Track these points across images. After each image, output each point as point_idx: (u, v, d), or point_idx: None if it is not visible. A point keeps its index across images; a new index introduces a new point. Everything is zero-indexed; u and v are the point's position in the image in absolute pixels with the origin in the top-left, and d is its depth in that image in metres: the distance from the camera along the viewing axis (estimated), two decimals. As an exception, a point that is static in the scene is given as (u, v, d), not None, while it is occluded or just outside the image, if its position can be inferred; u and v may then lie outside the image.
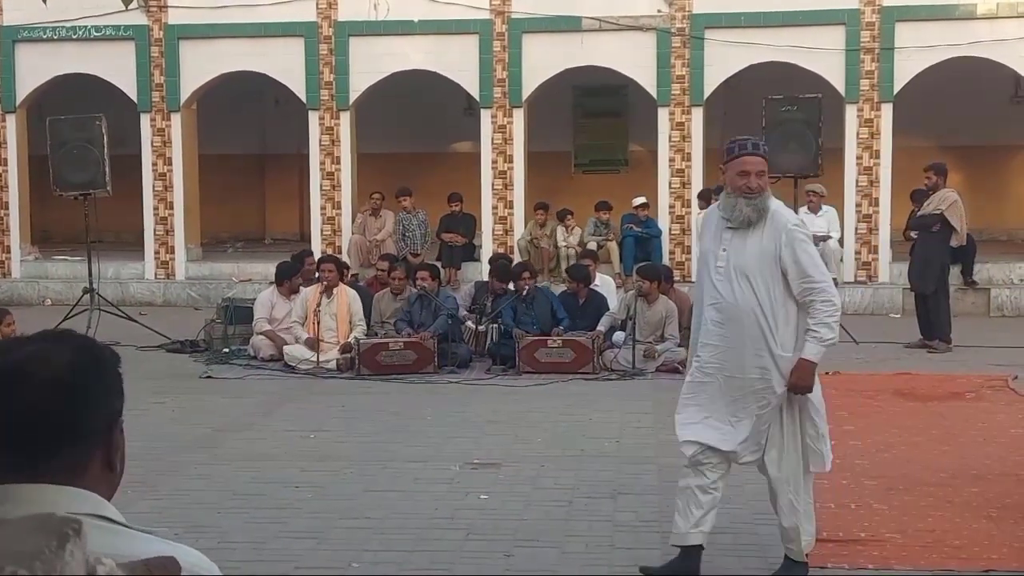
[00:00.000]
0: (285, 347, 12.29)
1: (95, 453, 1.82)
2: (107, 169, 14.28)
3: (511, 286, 12.75)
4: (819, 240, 16.24)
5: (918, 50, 16.48)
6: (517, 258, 16.76)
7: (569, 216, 17.32)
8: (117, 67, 18.01)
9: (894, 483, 7.47)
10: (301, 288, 12.93)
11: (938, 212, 13.06)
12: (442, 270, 15.25)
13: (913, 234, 13.76)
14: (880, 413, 9.83)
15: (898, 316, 15.77)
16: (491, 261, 14.30)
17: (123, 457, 1.93)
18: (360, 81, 17.70)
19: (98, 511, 1.77)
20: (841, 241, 16.68)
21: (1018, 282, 16.30)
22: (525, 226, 17.35)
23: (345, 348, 12.06)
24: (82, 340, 1.88)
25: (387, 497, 7.26)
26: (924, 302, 13.38)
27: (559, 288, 14.04)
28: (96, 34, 17.83)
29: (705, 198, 15.23)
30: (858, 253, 16.98)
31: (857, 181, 16.95)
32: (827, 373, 11.53)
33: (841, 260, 16.61)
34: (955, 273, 15.33)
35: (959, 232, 13.28)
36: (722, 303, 5.61)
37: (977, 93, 18.41)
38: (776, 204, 5.79)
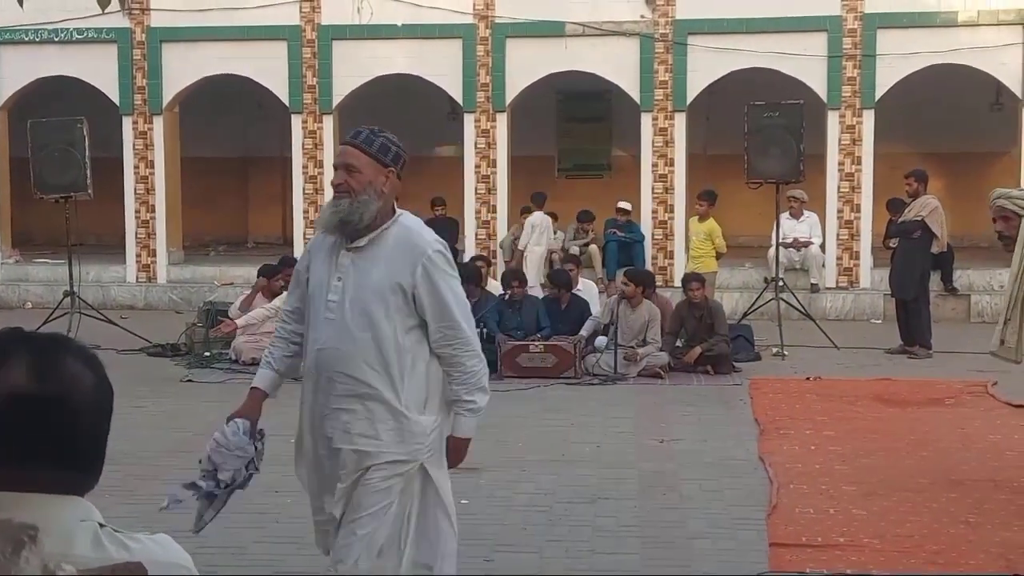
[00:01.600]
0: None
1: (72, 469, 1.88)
2: (88, 172, 14.25)
3: (502, 290, 12.83)
4: (801, 245, 16.40)
5: (899, 57, 16.57)
6: (500, 260, 16.82)
7: (553, 219, 17.37)
8: (99, 70, 17.97)
9: (873, 488, 7.49)
10: (284, 291, 12.92)
11: (919, 219, 13.11)
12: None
13: (892, 243, 13.81)
14: (860, 419, 9.84)
15: (879, 322, 15.84)
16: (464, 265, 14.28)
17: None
18: (343, 85, 17.70)
19: (92, 517, 1.84)
20: (823, 247, 16.75)
21: (998, 288, 16.35)
22: (508, 230, 17.39)
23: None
24: (91, 356, 1.92)
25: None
26: (905, 308, 13.43)
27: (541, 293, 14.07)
28: (78, 36, 17.79)
29: (708, 199, 15.22)
30: (840, 259, 17.04)
31: (839, 187, 17.02)
32: (808, 379, 11.63)
33: (823, 266, 16.70)
34: (935, 279, 15.39)
35: (940, 238, 13.35)
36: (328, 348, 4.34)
37: (958, 100, 18.50)
38: (411, 220, 4.57)
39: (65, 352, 1.86)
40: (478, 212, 17.68)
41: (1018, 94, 16.57)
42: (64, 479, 1.81)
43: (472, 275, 13.31)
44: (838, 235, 17.04)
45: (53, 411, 1.79)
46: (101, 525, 1.86)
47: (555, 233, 17.30)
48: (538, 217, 16.87)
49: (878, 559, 6.14)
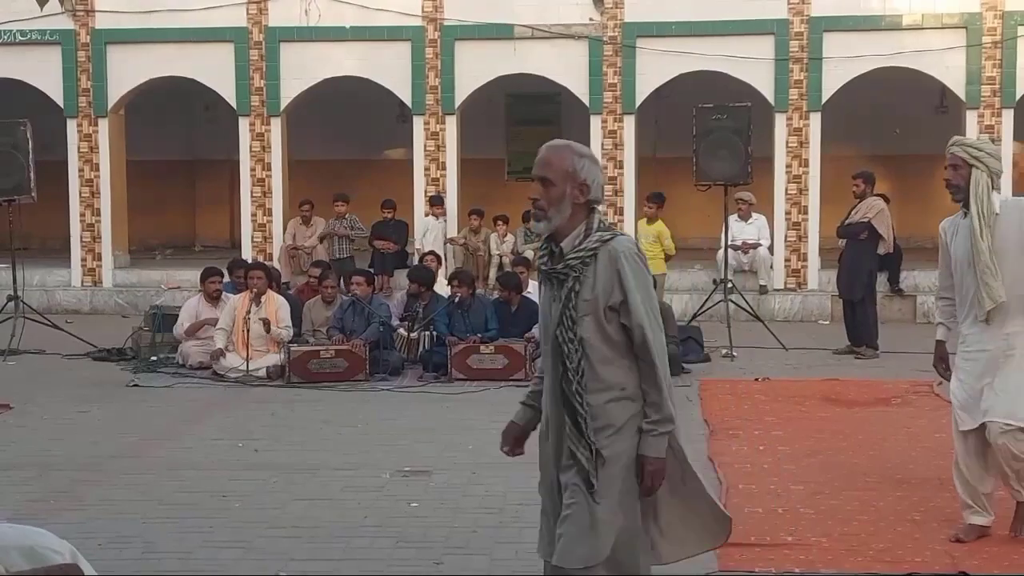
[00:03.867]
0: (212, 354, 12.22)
1: None
2: (32, 175, 14.08)
3: (448, 291, 12.84)
4: (750, 248, 16.50)
5: (845, 60, 16.72)
6: (451, 260, 16.81)
7: (502, 223, 17.38)
8: (43, 72, 17.78)
9: (820, 488, 7.54)
10: (228, 296, 12.84)
11: (865, 220, 13.24)
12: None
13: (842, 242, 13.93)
14: (808, 418, 9.91)
15: (827, 323, 15.98)
16: (416, 268, 14.27)
17: None
18: (291, 87, 17.61)
19: None
20: (771, 249, 16.86)
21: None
22: (459, 232, 17.39)
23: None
24: None
25: (316, 506, 7.22)
26: (852, 309, 13.56)
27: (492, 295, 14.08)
28: (21, 38, 17.59)
29: (657, 201, 15.38)
30: (788, 260, 17.16)
31: (787, 189, 17.14)
32: (756, 379, 11.70)
33: (771, 267, 16.81)
34: (882, 280, 15.54)
35: (886, 240, 13.48)
36: None
37: (903, 103, 18.70)
38: None
39: None
40: (427, 215, 17.63)
41: (962, 97, 16.76)
42: None
43: (425, 278, 13.33)
44: (786, 237, 17.16)
45: None
46: None
47: (505, 236, 17.32)
48: (430, 221, 16.96)
49: (825, 557, 6.19)
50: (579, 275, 4.19)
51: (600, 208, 4.46)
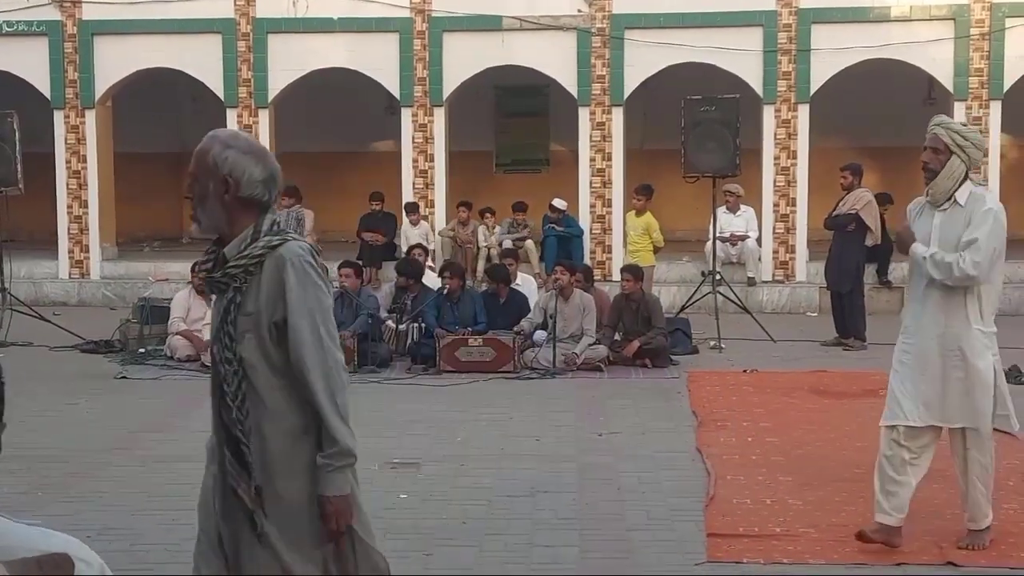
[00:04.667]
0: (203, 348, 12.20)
1: None
2: (19, 166, 14.05)
3: (431, 281, 12.87)
4: (738, 239, 16.52)
5: (833, 52, 16.73)
6: (439, 253, 16.78)
7: (489, 215, 17.37)
8: (30, 63, 17.70)
9: (809, 479, 7.57)
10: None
11: (853, 212, 13.28)
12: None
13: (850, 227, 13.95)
14: (796, 410, 9.95)
15: (815, 315, 15.99)
16: (404, 260, 14.26)
17: None
18: (279, 79, 17.56)
19: None
20: (759, 240, 16.88)
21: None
22: (447, 224, 17.37)
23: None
24: None
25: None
26: (840, 301, 13.60)
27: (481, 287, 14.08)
28: (8, 29, 17.52)
29: (646, 193, 15.41)
30: (776, 252, 17.19)
31: (775, 181, 17.16)
32: (745, 371, 11.73)
33: (759, 259, 16.83)
34: (871, 272, 15.59)
35: (874, 231, 13.53)
36: None
37: (891, 95, 18.70)
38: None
39: None
40: (415, 207, 17.62)
41: (950, 89, 16.79)
42: None
43: (414, 269, 13.32)
44: (774, 229, 17.18)
45: None
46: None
47: (493, 229, 17.31)
48: (408, 229, 16.96)
49: (814, 548, 6.22)
50: (240, 285, 3.62)
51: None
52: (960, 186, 5.87)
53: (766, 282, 16.90)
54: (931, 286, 5.94)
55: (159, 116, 20.76)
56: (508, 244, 16.28)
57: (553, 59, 17.32)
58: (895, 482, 6.03)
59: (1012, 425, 6.27)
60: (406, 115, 17.55)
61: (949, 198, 5.87)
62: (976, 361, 5.89)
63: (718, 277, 14.33)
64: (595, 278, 14.44)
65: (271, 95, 17.59)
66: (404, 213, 17.17)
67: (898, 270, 16.57)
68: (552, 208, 16.91)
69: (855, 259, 13.57)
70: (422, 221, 17.09)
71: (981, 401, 5.92)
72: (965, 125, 6.36)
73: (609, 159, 17.28)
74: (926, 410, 6.00)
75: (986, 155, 6.18)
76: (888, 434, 6.10)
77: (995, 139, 16.82)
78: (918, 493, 7.21)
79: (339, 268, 13.06)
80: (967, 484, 6.06)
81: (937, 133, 5.93)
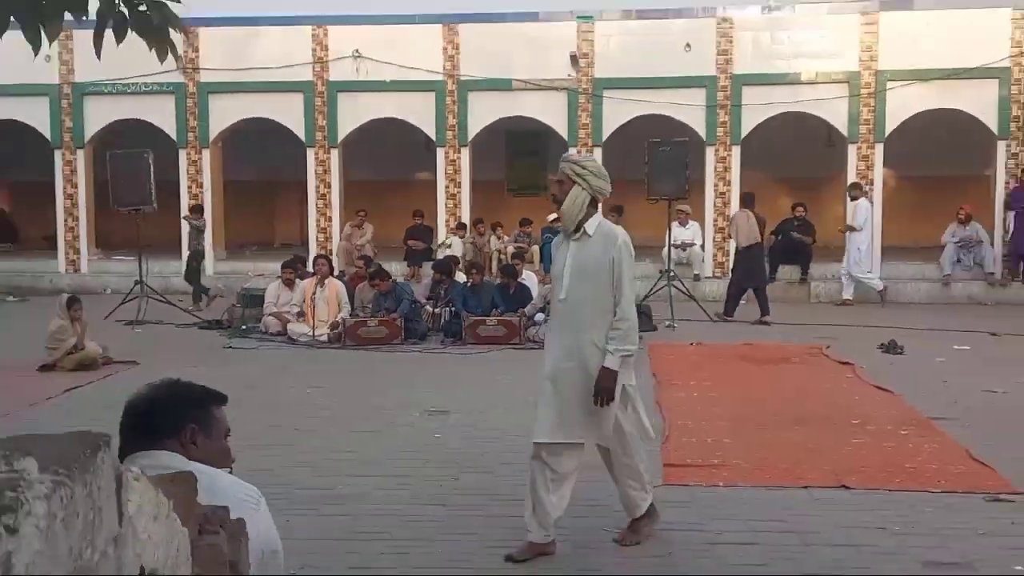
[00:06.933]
0: (288, 325, 12.23)
1: (172, 440, 2.56)
2: (153, 191, 14.11)
3: (460, 277, 12.89)
4: (687, 246, 16.50)
5: (758, 107, 16.72)
6: (463, 256, 16.79)
7: (500, 228, 17.42)
8: (161, 113, 17.76)
9: (740, 424, 7.58)
10: (298, 280, 12.86)
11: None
12: (408, 267, 15.31)
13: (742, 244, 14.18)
14: (731, 373, 9.95)
15: (744, 302, 15.94)
16: (442, 261, 14.28)
17: (202, 441, 2.63)
18: (346, 125, 17.60)
19: (175, 463, 2.37)
20: (702, 247, 16.89)
21: (831, 277, 16.59)
22: (468, 234, 17.39)
23: (334, 325, 12.01)
24: (173, 384, 2.69)
25: (365, 436, 7.25)
26: (755, 292, 13.72)
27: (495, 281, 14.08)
28: (145, 88, 17.55)
29: (618, 211, 15.48)
30: (715, 256, 17.19)
31: (714, 203, 17.14)
32: (692, 344, 11.72)
33: (702, 260, 16.85)
34: (795, 270, 15.78)
35: (734, 238, 14.31)
36: None
37: (801, 139, 18.67)
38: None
39: (154, 385, 2.66)
40: (447, 221, 17.66)
41: (845, 134, 16.75)
42: (143, 440, 2.52)
43: (446, 268, 13.33)
44: (714, 238, 17.17)
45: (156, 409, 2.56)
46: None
47: (502, 238, 17.33)
48: (455, 239, 16.87)
49: (742, 474, 6.23)
50: None
51: None
52: (589, 217, 4.88)
53: (708, 277, 16.89)
54: (566, 328, 4.85)
55: (256, 153, 20.79)
56: (511, 249, 16.30)
57: (549, 111, 17.32)
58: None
59: (647, 433, 5.14)
60: (440, 153, 17.56)
61: (579, 228, 4.83)
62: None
63: (672, 274, 14.33)
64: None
65: (340, 137, 17.61)
66: (455, 228, 17.19)
67: (817, 269, 16.59)
68: (549, 222, 16.92)
69: (755, 265, 13.96)
70: (456, 238, 17.10)
71: (608, 417, 4.80)
72: (586, 157, 5.28)
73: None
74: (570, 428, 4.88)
75: (607, 181, 5.04)
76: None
77: (879, 172, 16.80)
78: (821, 435, 7.20)
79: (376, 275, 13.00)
80: (621, 484, 5.05)
81: (562, 167, 5.01)
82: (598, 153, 17.13)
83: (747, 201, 14.23)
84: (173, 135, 17.81)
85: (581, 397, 4.78)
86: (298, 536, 4.83)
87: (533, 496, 4.82)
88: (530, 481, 4.86)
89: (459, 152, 17.44)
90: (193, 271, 15.64)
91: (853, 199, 15.77)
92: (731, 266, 15.31)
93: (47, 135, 18.10)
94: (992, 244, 16.36)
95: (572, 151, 4.69)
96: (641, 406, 5.01)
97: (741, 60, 16.69)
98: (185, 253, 16.63)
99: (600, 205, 4.99)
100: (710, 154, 16.94)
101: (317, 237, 17.82)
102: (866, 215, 15.59)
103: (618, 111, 17.00)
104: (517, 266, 13.28)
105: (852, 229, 15.68)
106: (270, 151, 21.35)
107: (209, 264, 17.93)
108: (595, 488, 5.37)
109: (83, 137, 18.00)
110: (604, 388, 4.70)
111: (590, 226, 4.86)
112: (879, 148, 16.70)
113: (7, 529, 0.97)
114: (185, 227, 17.05)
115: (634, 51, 16.85)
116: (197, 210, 16.41)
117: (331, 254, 16.73)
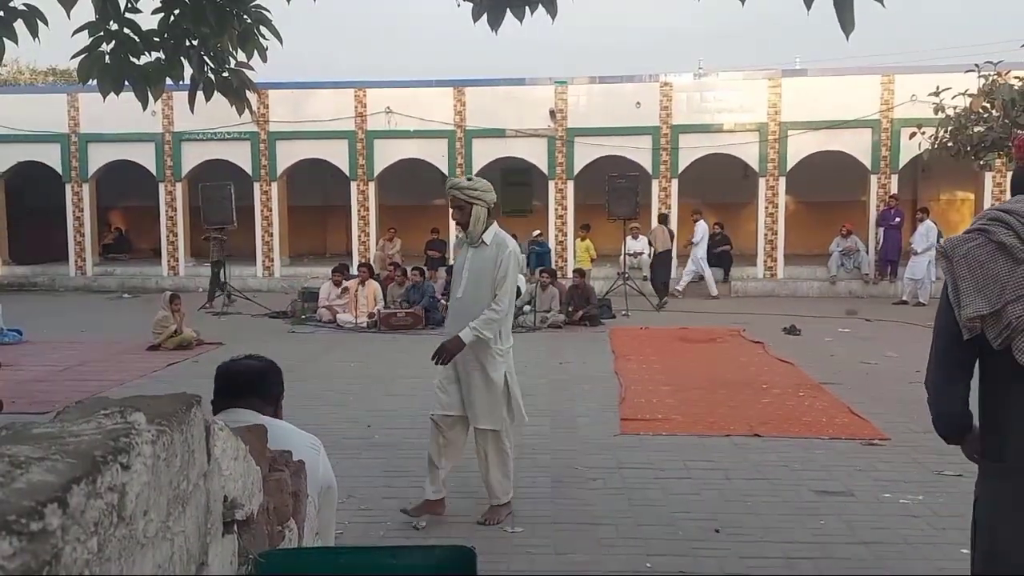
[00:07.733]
0: (338, 315, 12.18)
1: (262, 400, 2.59)
2: (234, 213, 14.07)
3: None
4: (638, 254, 16.48)
5: (691, 149, 16.69)
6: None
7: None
8: (239, 155, 17.64)
9: (678, 388, 7.58)
10: (345, 281, 12.81)
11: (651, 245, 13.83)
12: (426, 271, 15.22)
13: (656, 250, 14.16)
14: (671, 350, 9.93)
15: (680, 297, 15.96)
16: (449, 267, 14.23)
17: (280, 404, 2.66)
18: (380, 163, 17.51)
19: (252, 419, 2.35)
20: (650, 255, 16.84)
21: (745, 278, 16.61)
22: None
23: (371, 315, 11.97)
24: (265, 361, 2.71)
25: (397, 399, 7.23)
26: (663, 286, 13.85)
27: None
28: (228, 136, 17.45)
29: (586, 229, 15.50)
30: (659, 261, 17.13)
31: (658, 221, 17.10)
32: (641, 328, 11.70)
33: (650, 266, 16.78)
34: (720, 272, 15.78)
35: (653, 246, 14.52)
36: None
37: (724, 173, 18.61)
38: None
39: (251, 356, 2.71)
40: (457, 236, 17.55)
41: (757, 169, 16.74)
42: (239, 400, 2.53)
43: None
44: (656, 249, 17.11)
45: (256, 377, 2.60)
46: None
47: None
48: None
49: (681, 426, 6.23)
50: None
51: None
52: (488, 227, 4.47)
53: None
54: (459, 320, 4.37)
55: (313, 185, 20.71)
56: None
57: (534, 153, 17.27)
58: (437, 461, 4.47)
59: (523, 418, 4.55)
60: (451, 184, 17.46)
61: (479, 238, 4.44)
62: (492, 373, 4.35)
63: (626, 275, 14.32)
64: (557, 276, 14.43)
65: (375, 173, 17.54)
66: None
67: (737, 272, 16.56)
68: (533, 237, 16.92)
69: (666, 266, 14.21)
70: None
71: (496, 405, 4.39)
72: (470, 179, 4.57)
73: (565, 209, 17.24)
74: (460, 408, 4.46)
75: (492, 190, 4.59)
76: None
77: (782, 198, 16.79)
78: (738, 396, 7.18)
79: (404, 272, 12.95)
80: (486, 469, 4.47)
81: (455, 195, 4.44)
82: (571, 185, 17.15)
83: (663, 219, 14.28)
84: (249, 171, 17.72)
85: (477, 386, 4.34)
86: (347, 475, 4.81)
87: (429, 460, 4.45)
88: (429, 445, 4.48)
89: (466, 184, 17.34)
90: (215, 276, 15.41)
91: (917, 220, 15.02)
92: (650, 264, 15.38)
93: (153, 171, 18.00)
94: (867, 252, 16.43)
95: (453, 178, 3.87)
96: (519, 391, 4.49)
97: (678, 113, 16.68)
98: (277, 259, 16.50)
99: (495, 212, 4.54)
100: (655, 185, 16.91)
101: (358, 248, 17.75)
102: (925, 236, 14.55)
103: (586, 152, 16.97)
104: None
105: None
106: (323, 183, 21.29)
107: (276, 268, 17.87)
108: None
109: (180, 172, 17.90)
110: (445, 349, 4.19)
111: (487, 236, 4.43)
112: (783, 180, 16.71)
113: (122, 466, 0.97)
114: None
115: (598, 107, 16.83)
116: (218, 228, 15.84)
117: (370, 261, 16.70)
